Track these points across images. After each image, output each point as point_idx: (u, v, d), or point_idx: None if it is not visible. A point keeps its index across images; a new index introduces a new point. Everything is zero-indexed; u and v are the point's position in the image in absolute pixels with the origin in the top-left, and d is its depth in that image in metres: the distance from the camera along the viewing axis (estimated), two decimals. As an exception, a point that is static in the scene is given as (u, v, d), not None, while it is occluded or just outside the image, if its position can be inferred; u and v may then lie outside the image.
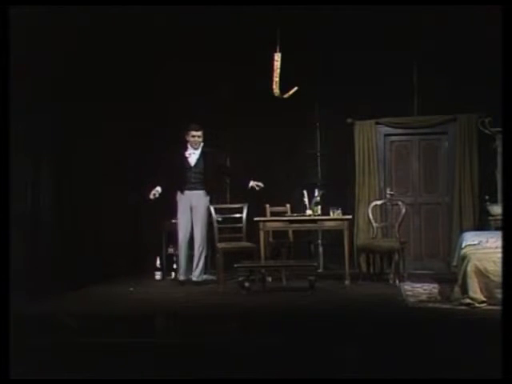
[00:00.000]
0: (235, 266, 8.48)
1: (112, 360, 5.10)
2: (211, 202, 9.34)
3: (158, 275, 9.79)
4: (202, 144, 9.23)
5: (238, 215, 9.38)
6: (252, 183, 9.23)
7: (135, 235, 10.32)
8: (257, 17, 9.16)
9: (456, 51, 9.72)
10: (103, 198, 9.68)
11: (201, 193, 9.20)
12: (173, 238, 10.10)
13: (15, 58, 6.12)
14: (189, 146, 9.20)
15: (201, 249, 9.17)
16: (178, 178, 9.15)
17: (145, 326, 6.66)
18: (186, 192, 9.18)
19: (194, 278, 9.16)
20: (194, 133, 9.17)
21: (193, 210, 9.13)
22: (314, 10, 8.95)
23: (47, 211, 8.03)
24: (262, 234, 8.98)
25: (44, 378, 4.56)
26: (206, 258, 9.34)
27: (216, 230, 9.22)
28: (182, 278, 9.20)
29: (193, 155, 9.20)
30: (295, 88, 9.03)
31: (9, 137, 5.43)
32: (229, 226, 9.46)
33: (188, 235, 9.19)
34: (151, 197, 9.15)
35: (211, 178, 9.26)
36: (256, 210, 9.37)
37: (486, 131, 9.69)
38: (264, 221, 9.11)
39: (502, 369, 4.09)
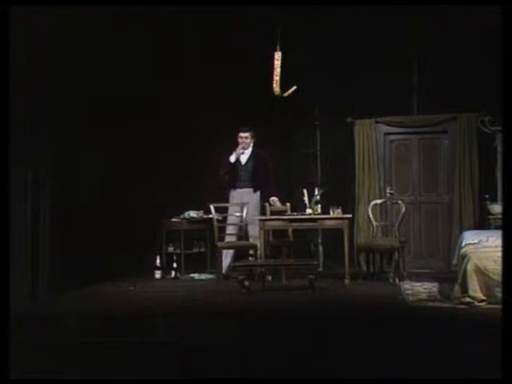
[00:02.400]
0: (235, 264, 8.48)
1: (112, 360, 5.10)
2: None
3: (157, 274, 9.78)
4: (251, 144, 9.69)
5: (238, 214, 9.40)
6: (273, 199, 9.58)
7: (135, 234, 10.30)
8: (257, 16, 9.16)
9: (456, 50, 9.72)
10: (103, 197, 9.68)
11: (250, 190, 9.60)
12: (172, 236, 10.12)
13: (15, 58, 6.13)
14: (240, 146, 9.64)
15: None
16: (231, 176, 9.63)
17: (145, 325, 6.65)
18: (238, 189, 9.63)
19: None
20: (241, 134, 9.65)
21: (244, 206, 9.40)
22: (314, 10, 8.95)
23: (47, 211, 8.02)
24: (262, 232, 8.99)
25: (44, 378, 4.56)
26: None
27: (216, 229, 9.24)
28: (226, 272, 9.38)
29: (243, 155, 9.67)
30: (294, 87, 9.05)
31: (9, 136, 5.44)
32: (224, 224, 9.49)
33: (236, 232, 9.51)
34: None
35: (261, 177, 9.61)
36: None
37: (486, 130, 9.69)
38: (264, 220, 9.11)
39: (502, 369, 4.09)
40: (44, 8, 7.09)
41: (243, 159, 9.70)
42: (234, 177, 9.66)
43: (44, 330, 6.16)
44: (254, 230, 9.35)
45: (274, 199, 9.59)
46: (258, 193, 9.65)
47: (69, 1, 7.33)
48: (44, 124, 8.04)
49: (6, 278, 4.98)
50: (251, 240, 9.41)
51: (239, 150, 9.64)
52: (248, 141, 9.67)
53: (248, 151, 9.71)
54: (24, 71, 7.35)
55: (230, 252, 9.49)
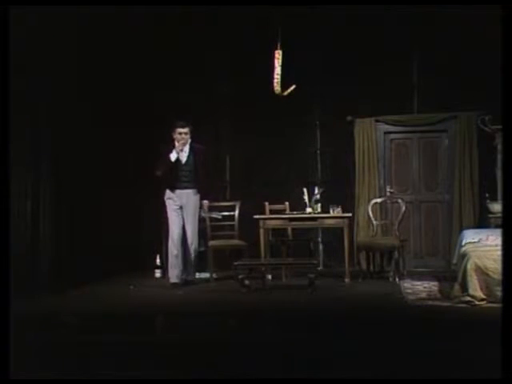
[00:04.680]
0: (235, 264, 8.48)
1: (112, 359, 5.10)
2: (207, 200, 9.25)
3: (157, 273, 9.80)
4: (189, 141, 8.92)
5: (230, 213, 9.37)
6: (204, 203, 9.14)
7: (135, 233, 10.32)
8: (257, 14, 9.16)
9: (456, 49, 9.72)
10: (103, 197, 9.68)
11: (191, 192, 8.92)
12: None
13: (16, 58, 6.13)
14: (176, 143, 8.87)
15: (194, 248, 8.98)
16: (169, 176, 8.88)
17: (145, 325, 6.66)
18: (177, 191, 8.90)
19: (190, 278, 9.04)
20: (180, 130, 8.83)
21: (184, 209, 8.92)
22: (314, 10, 8.95)
23: (47, 211, 8.03)
24: (261, 231, 8.98)
25: (44, 378, 4.56)
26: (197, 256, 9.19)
27: (208, 228, 9.22)
28: (173, 280, 8.87)
29: (183, 153, 8.89)
30: (293, 86, 9.05)
31: (9, 137, 5.44)
32: (221, 223, 9.48)
33: (181, 235, 8.95)
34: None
35: (202, 176, 8.93)
36: (255, 207, 9.38)
37: (486, 129, 9.68)
38: (264, 218, 9.10)
39: (502, 369, 4.09)
40: (44, 8, 7.09)
41: (183, 157, 8.88)
42: (174, 177, 8.84)
43: (44, 329, 6.17)
44: (193, 234, 8.92)
45: (204, 204, 9.11)
46: (199, 195, 8.99)
47: (69, 1, 7.33)
48: (44, 124, 8.05)
49: (6, 278, 4.97)
50: (189, 243, 8.90)
51: (179, 147, 8.80)
52: (187, 137, 8.83)
53: (186, 148, 8.89)
54: (24, 71, 7.35)
55: (180, 262, 8.88)
